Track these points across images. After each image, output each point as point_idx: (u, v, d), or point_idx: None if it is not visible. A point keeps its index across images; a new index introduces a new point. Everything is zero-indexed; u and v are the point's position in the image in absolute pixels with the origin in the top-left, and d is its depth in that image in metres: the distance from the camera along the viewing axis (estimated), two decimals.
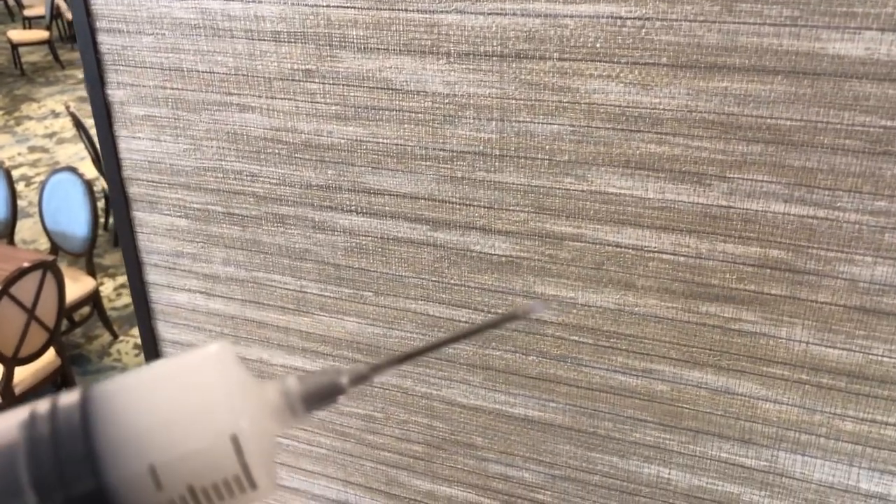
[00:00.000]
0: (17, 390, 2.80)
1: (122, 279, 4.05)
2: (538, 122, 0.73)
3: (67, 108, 4.27)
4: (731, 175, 0.69)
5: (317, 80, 0.80)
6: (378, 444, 0.95)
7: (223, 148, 0.87)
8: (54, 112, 6.05)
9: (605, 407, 0.82)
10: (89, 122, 4.45)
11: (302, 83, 0.80)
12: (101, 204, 4.25)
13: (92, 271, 3.41)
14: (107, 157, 0.92)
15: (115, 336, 3.62)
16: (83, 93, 6.07)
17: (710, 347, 0.76)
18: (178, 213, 0.92)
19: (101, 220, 4.27)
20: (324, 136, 0.82)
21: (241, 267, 0.92)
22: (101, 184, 4.21)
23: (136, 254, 0.96)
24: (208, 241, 0.92)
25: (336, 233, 0.86)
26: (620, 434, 0.83)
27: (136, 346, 3.56)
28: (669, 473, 0.83)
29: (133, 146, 0.91)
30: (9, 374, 2.75)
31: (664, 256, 0.74)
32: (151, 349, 1.00)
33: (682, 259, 0.74)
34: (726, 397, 0.77)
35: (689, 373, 0.78)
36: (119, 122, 0.90)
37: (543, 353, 0.82)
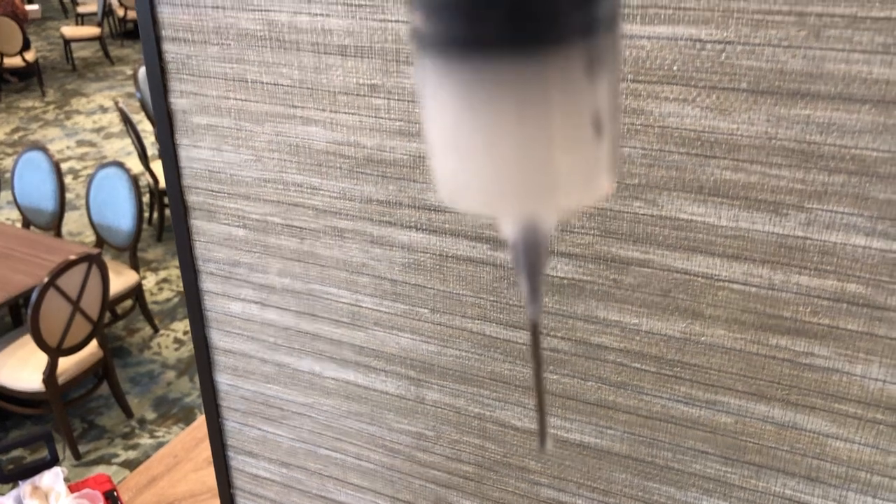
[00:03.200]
0: (61, 380, 2.86)
1: (165, 273, 4.11)
2: None
3: (116, 103, 4.35)
4: (810, 205, 0.67)
5: (382, 96, 0.79)
6: (428, 463, 0.94)
7: (284, 160, 0.87)
8: (103, 107, 6.17)
9: (665, 437, 0.80)
10: (137, 118, 4.53)
11: (367, 98, 0.80)
12: (146, 199, 4.32)
13: (135, 265, 3.46)
14: (167, 164, 0.92)
15: (156, 330, 3.67)
16: (131, 89, 6.18)
17: (778, 381, 0.73)
18: (237, 224, 0.92)
19: (146, 214, 4.34)
20: (386, 151, 0.81)
21: (297, 279, 0.92)
22: (146, 179, 4.28)
23: (193, 261, 0.97)
24: (265, 251, 0.92)
25: (394, 248, 0.85)
26: (680, 465, 0.81)
27: (176, 341, 3.61)
28: None
29: (194, 155, 0.91)
30: (53, 364, 2.80)
31: (735, 286, 0.72)
32: (204, 357, 1.01)
33: (753, 289, 0.71)
34: (794, 433, 0.75)
35: (755, 406, 0.75)
36: (181, 131, 0.91)
37: (603, 378, 0.81)
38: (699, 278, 0.73)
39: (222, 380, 1.02)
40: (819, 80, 0.63)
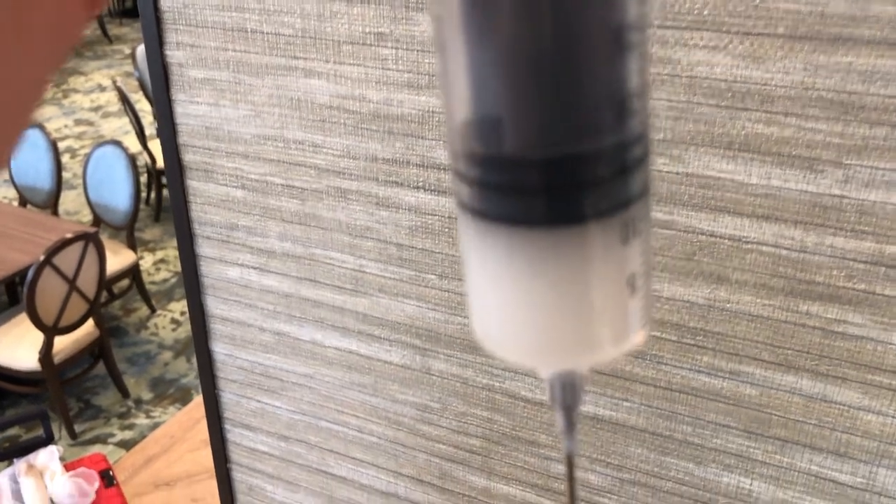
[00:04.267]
0: (57, 359, 2.82)
1: (162, 254, 4.07)
2: None
3: (114, 82, 4.29)
4: (849, 161, 0.62)
5: (389, 45, 0.74)
6: (433, 436, 0.90)
7: (285, 115, 0.82)
8: (101, 86, 6.10)
9: (685, 409, 0.76)
10: (135, 97, 4.47)
11: (373, 47, 0.75)
12: (143, 179, 4.26)
13: (132, 245, 3.42)
14: (162, 121, 0.88)
15: (153, 310, 3.63)
16: (130, 68, 6.12)
17: (808, 350, 0.69)
18: (235, 184, 0.88)
19: (143, 194, 4.29)
20: (393, 105, 0.76)
21: (297, 243, 0.87)
22: (144, 158, 4.23)
23: (188, 224, 0.92)
24: (265, 214, 0.88)
25: (401, 210, 0.81)
26: (700, 439, 0.77)
27: (173, 321, 3.57)
28: (751, 484, 0.76)
29: (190, 111, 0.87)
30: (49, 343, 2.76)
31: (764, 249, 0.68)
32: (200, 325, 0.97)
33: (784, 252, 0.67)
34: (822, 405, 0.71)
35: (782, 377, 0.71)
36: (177, 86, 0.86)
37: None
38: (726, 240, 0.69)
39: (219, 349, 0.98)
40: (863, 23, 0.58)
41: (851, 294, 0.66)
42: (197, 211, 0.91)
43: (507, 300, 0.26)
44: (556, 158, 0.23)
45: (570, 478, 0.29)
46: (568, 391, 0.27)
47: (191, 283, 0.95)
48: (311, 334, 0.91)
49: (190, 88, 0.85)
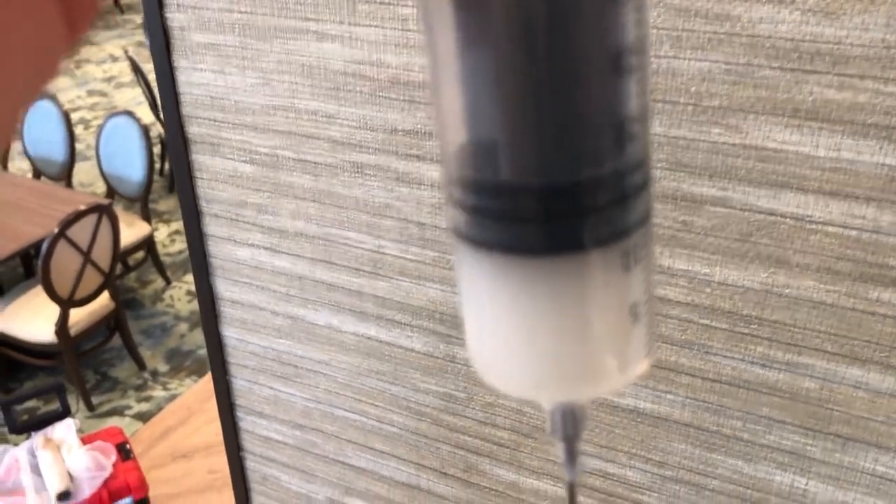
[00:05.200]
0: (73, 332, 2.80)
1: (177, 225, 4.03)
2: (685, 58, 0.59)
3: (126, 52, 4.23)
4: None
5: (410, 4, 0.67)
6: (458, 427, 0.84)
7: (296, 83, 0.75)
8: (113, 56, 6.04)
9: (735, 403, 0.70)
10: (147, 67, 4.41)
11: (392, 7, 0.68)
12: (157, 150, 4.22)
13: (147, 216, 3.38)
14: (164, 91, 0.81)
15: (168, 282, 3.61)
16: (142, 37, 6.04)
17: (876, 341, 0.63)
18: (243, 158, 0.81)
19: (157, 166, 4.25)
20: (415, 71, 0.69)
21: (311, 221, 0.81)
22: (157, 129, 4.18)
23: (195, 202, 0.86)
24: (276, 190, 0.81)
25: (423, 186, 0.74)
26: (750, 435, 0.70)
27: (188, 293, 3.55)
28: (807, 484, 0.70)
29: (194, 79, 0.80)
30: (64, 316, 2.74)
31: (830, 229, 0.60)
32: (209, 309, 0.91)
33: (853, 233, 0.60)
34: (891, 401, 0.64)
35: (846, 369, 0.64)
36: (179, 51, 0.79)
37: (665, 337, 0.70)
38: (787, 219, 0.61)
39: (230, 334, 0.93)
40: None
41: None
42: (203, 187, 0.85)
43: (505, 331, 0.25)
44: (554, 185, 0.23)
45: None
46: (569, 422, 0.26)
47: (199, 263, 0.89)
48: (327, 319, 0.86)
49: (193, 54, 0.79)
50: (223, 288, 0.90)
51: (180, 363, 3.21)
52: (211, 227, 0.87)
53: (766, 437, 0.70)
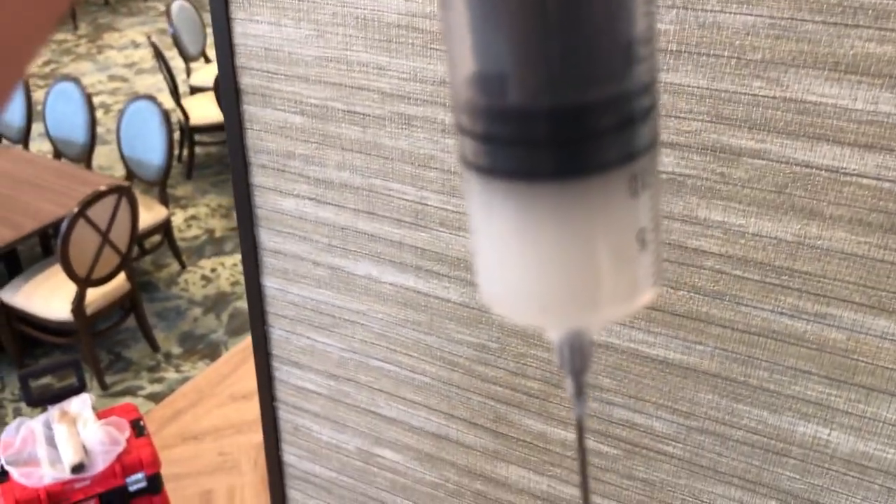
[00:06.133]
0: (89, 311, 2.83)
1: (194, 211, 4.07)
2: (729, 12, 0.62)
3: (148, 38, 4.27)
4: None
5: None
6: (489, 377, 0.87)
7: (350, 36, 0.78)
8: (135, 42, 6.09)
9: (763, 354, 0.72)
10: (169, 55, 4.45)
11: None
12: (176, 136, 4.26)
13: (165, 201, 3.42)
14: (220, 42, 0.84)
15: (184, 266, 3.64)
16: (164, 24, 6.10)
17: None
18: (294, 109, 0.85)
19: (176, 152, 4.29)
20: None
21: (357, 172, 0.84)
22: (177, 116, 4.22)
23: (244, 152, 0.89)
24: (324, 141, 0.84)
25: None
26: (776, 386, 0.73)
27: (203, 278, 3.58)
28: (829, 434, 0.73)
29: (250, 30, 0.83)
30: (81, 294, 2.77)
31: (864, 181, 0.63)
32: (252, 258, 0.94)
33: (886, 185, 0.63)
34: None
35: (873, 320, 0.67)
36: (236, 3, 0.83)
37: (697, 288, 0.73)
38: (822, 171, 0.64)
39: (270, 284, 0.96)
40: None
41: None
42: (253, 138, 0.88)
43: (513, 257, 0.25)
44: (561, 107, 0.23)
45: (581, 444, 0.29)
46: (577, 355, 0.27)
47: (244, 213, 0.92)
48: (367, 269, 0.89)
49: (250, 6, 0.82)
50: (266, 238, 0.93)
51: (193, 346, 3.25)
52: (258, 177, 0.90)
53: (792, 387, 0.72)
